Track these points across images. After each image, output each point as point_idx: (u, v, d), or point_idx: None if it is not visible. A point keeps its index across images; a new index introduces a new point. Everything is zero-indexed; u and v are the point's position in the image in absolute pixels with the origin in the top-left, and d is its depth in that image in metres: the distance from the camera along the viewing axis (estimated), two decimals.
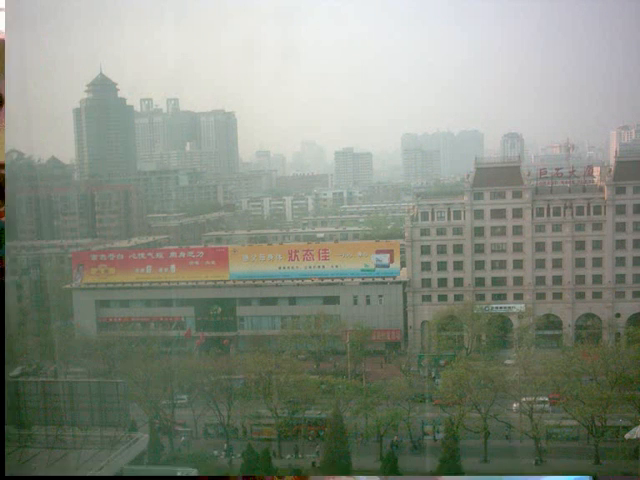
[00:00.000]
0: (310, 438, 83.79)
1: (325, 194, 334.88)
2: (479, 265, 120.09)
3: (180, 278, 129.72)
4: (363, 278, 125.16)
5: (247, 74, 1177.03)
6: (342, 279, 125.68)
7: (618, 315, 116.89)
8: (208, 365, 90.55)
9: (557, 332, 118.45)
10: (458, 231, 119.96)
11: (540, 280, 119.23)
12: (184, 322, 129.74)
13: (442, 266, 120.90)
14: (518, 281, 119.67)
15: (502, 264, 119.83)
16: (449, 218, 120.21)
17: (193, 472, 52.76)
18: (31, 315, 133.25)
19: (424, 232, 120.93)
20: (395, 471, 66.66)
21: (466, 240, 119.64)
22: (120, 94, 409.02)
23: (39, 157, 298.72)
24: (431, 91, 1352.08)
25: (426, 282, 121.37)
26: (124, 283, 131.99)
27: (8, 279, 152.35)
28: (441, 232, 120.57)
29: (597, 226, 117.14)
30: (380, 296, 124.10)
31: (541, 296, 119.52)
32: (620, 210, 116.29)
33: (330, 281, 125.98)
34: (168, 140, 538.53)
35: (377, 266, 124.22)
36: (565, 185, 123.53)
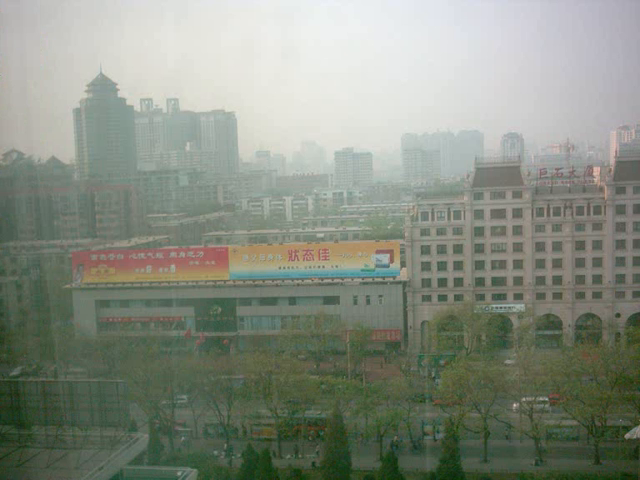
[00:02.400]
0: (310, 438, 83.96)
1: (325, 194, 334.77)
2: (479, 265, 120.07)
3: (180, 278, 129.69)
4: (363, 278, 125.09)
5: (247, 74, 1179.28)
6: (342, 279, 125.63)
7: (618, 315, 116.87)
8: (208, 365, 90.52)
9: (557, 332, 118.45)
10: (458, 231, 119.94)
11: (540, 280, 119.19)
12: (184, 322, 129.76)
13: (442, 266, 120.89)
14: (518, 281, 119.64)
15: (502, 264, 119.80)
16: (449, 218, 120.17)
17: (193, 472, 52.65)
18: (31, 315, 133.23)
19: (424, 232, 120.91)
20: (395, 471, 66.62)
21: (466, 240, 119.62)
22: (120, 94, 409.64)
23: (39, 157, 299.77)
24: (431, 91, 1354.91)
25: (426, 282, 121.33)
26: (124, 283, 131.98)
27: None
28: (441, 232, 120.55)
29: (597, 226, 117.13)
30: (380, 296, 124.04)
31: (541, 296, 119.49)
32: (620, 210, 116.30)
33: (330, 281, 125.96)
34: (168, 140, 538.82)
35: (377, 266, 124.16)
36: (565, 185, 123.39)
